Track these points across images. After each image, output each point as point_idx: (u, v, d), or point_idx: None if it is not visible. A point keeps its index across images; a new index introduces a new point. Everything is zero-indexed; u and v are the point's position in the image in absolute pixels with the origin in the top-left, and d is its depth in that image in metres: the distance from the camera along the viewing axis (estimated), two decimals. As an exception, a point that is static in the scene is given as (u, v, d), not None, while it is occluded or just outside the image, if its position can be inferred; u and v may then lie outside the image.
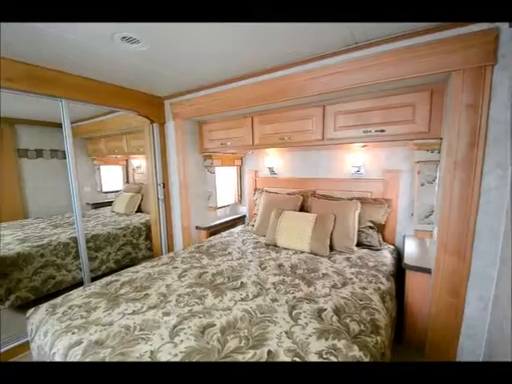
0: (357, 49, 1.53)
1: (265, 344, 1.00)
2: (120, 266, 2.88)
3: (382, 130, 1.65)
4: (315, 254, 1.89)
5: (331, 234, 1.94)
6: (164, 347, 0.99)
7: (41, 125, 3.66)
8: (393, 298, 1.51)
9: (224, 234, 2.52)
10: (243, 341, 1.02)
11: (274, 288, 1.43)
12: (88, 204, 4.15)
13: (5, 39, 1.36)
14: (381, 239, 2.07)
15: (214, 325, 1.12)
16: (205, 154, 2.66)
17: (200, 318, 1.17)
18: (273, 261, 1.79)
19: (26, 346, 1.75)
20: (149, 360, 0.93)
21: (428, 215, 1.75)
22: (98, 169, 4.56)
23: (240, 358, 0.93)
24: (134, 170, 4.53)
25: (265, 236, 2.28)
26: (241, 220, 3.08)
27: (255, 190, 2.86)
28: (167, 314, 1.21)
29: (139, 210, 3.76)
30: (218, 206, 2.86)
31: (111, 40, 1.37)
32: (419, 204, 1.77)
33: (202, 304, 1.28)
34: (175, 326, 1.11)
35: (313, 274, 1.59)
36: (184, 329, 1.09)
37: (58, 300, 1.36)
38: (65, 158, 4.19)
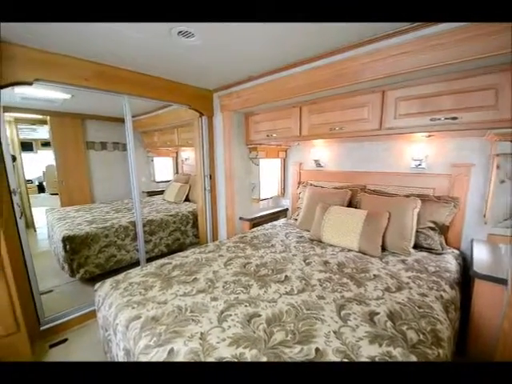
0: (427, 25, 1.34)
1: (312, 341, 0.97)
2: (170, 250, 3.11)
3: (454, 118, 1.43)
4: (364, 254, 1.77)
5: (384, 233, 1.79)
6: (213, 331, 1.03)
7: (105, 120, 4.09)
8: (457, 308, 1.34)
9: (267, 226, 2.52)
10: (289, 335, 1.01)
11: (320, 285, 1.38)
12: (143, 192, 4.54)
13: (85, 40, 1.52)
14: (443, 242, 1.84)
15: (260, 315, 1.12)
16: (250, 145, 2.67)
17: (246, 306, 1.18)
18: (318, 257, 1.73)
19: (93, 313, 2.01)
20: (199, 341, 0.97)
21: (507, 218, 1.49)
22: (152, 160, 4.95)
23: (287, 351, 0.92)
24: (182, 161, 4.80)
25: (308, 231, 2.22)
26: (283, 213, 3.05)
27: (299, 183, 2.79)
28: (215, 299, 1.25)
29: (187, 199, 3.99)
30: (261, 198, 2.87)
31: (169, 35, 1.43)
32: (496, 204, 1.52)
33: (248, 293, 1.30)
34: (222, 312, 1.15)
35: (362, 275, 1.50)
36: (231, 315, 1.12)
37: (120, 277, 1.52)
38: (125, 150, 4.62)
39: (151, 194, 4.59)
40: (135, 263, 2.70)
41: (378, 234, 1.77)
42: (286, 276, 1.47)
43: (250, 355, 0.91)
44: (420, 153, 2.01)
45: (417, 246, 1.83)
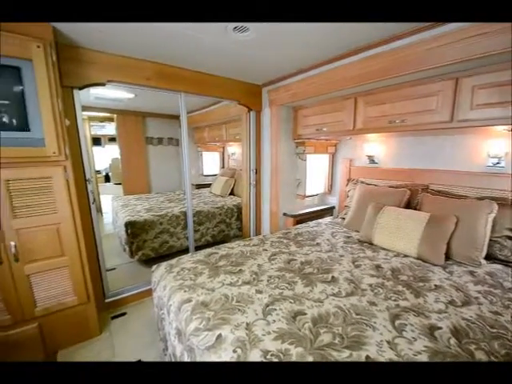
0: None
1: (362, 348, 0.91)
2: (215, 241, 3.26)
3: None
4: (424, 261, 1.59)
5: (449, 240, 1.59)
6: (258, 322, 1.04)
7: (162, 117, 4.44)
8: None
9: (311, 223, 2.45)
10: (337, 338, 0.96)
11: (372, 290, 1.28)
12: (193, 185, 4.83)
13: (148, 43, 1.65)
14: (526, 255, 1.55)
15: (305, 314, 1.10)
16: (297, 140, 2.61)
17: (291, 303, 1.17)
18: (368, 260, 1.62)
19: (148, 292, 2.22)
20: (245, 331, 0.99)
21: None
22: (201, 155, 5.22)
23: (335, 354, 0.88)
24: (229, 156, 4.96)
25: (358, 231, 2.09)
26: (329, 211, 2.93)
27: (349, 180, 2.63)
28: (260, 291, 1.26)
29: (232, 193, 4.11)
30: (307, 194, 2.79)
31: (225, 31, 1.47)
32: None
33: (292, 290, 1.28)
34: (267, 305, 1.15)
35: (421, 284, 1.35)
36: (276, 310, 1.12)
37: (173, 261, 1.64)
38: (178, 145, 4.97)
39: (199, 186, 4.85)
40: (184, 250, 2.90)
41: (441, 240, 1.57)
42: (333, 277, 1.41)
43: (295, 352, 0.89)
44: (499, 149, 1.71)
45: (489, 257, 1.58)
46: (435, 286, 1.33)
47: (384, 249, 1.78)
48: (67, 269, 1.61)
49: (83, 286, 1.68)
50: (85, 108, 1.85)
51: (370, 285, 1.33)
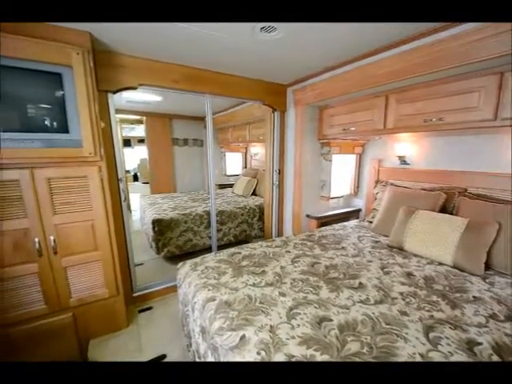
0: None
1: (393, 360, 0.86)
2: (237, 240, 3.28)
3: None
4: (461, 270, 1.48)
5: (490, 248, 1.46)
6: (282, 325, 1.02)
7: (187, 119, 4.57)
8: None
9: (336, 226, 2.38)
10: (365, 347, 0.92)
11: (403, 299, 1.21)
12: (216, 185, 4.91)
13: (177, 47, 1.70)
14: None
15: (331, 320, 1.06)
16: (323, 140, 2.55)
17: (316, 308, 1.14)
18: (399, 267, 1.53)
19: (173, 288, 2.28)
20: (269, 334, 0.98)
21: None
22: (224, 155, 5.30)
23: (364, 365, 0.84)
24: (251, 156, 4.98)
25: (386, 236, 1.99)
26: (355, 214, 2.82)
27: (377, 181, 2.52)
28: (283, 294, 1.24)
29: (254, 193, 4.12)
30: (331, 196, 2.72)
31: (252, 32, 1.47)
32: None
33: (317, 295, 1.24)
34: (291, 309, 1.13)
35: (458, 295, 1.25)
36: (300, 314, 1.09)
37: (198, 260, 1.67)
38: (202, 145, 5.08)
39: (222, 186, 4.92)
40: (207, 249, 2.95)
41: (481, 248, 1.45)
42: (361, 283, 1.35)
43: (321, 359, 0.86)
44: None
45: (540, 270, 1.43)
46: (474, 297, 1.23)
47: (416, 255, 1.68)
48: (100, 263, 1.70)
49: (114, 279, 1.77)
50: (117, 111, 1.95)
51: (401, 293, 1.26)
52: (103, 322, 1.80)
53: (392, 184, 2.31)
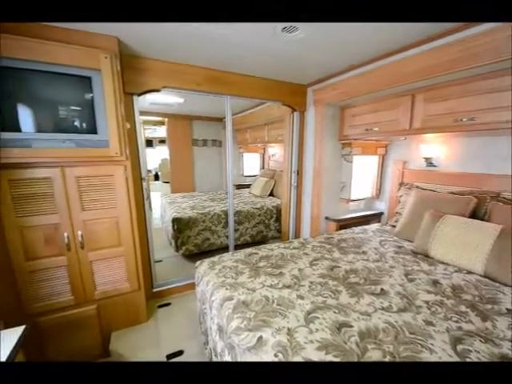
0: None
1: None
2: (253, 241, 3.28)
3: None
4: (493, 280, 1.38)
5: (528, 258, 1.35)
6: (300, 329, 1.01)
7: (206, 120, 4.65)
8: None
9: (356, 229, 2.31)
10: (388, 356, 0.88)
11: (428, 308, 1.15)
12: (233, 185, 4.95)
13: (200, 50, 1.73)
14: None
15: (351, 326, 1.03)
16: (344, 141, 2.49)
17: (335, 313, 1.11)
18: (424, 274, 1.46)
19: (191, 285, 2.33)
20: (287, 336, 0.97)
21: None
22: (242, 156, 5.33)
23: (386, 375, 0.80)
24: (269, 157, 4.97)
25: (411, 241, 1.90)
26: (376, 217, 2.73)
27: (401, 184, 2.42)
28: (301, 297, 1.23)
29: (271, 194, 4.11)
30: (352, 198, 2.64)
31: (273, 32, 1.46)
32: None
33: (336, 299, 1.21)
34: (309, 312, 1.11)
35: (489, 306, 1.17)
36: (318, 318, 1.07)
37: (215, 259, 1.68)
38: (220, 146, 5.14)
39: (239, 187, 4.95)
40: (224, 248, 2.98)
41: (518, 257, 1.34)
42: (383, 289, 1.30)
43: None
44: None
45: None
46: (507, 309, 1.15)
47: (443, 263, 1.59)
48: (123, 258, 1.77)
49: (135, 274, 1.83)
50: (141, 113, 2.02)
51: (427, 302, 1.20)
52: (125, 315, 1.87)
53: (417, 187, 2.21)
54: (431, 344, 0.94)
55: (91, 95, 1.49)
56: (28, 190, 1.45)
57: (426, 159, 2.20)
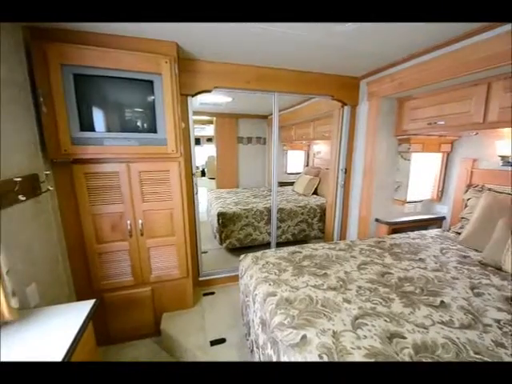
0: None
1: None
2: (295, 239, 3.25)
3: None
4: None
5: None
6: (346, 333, 0.97)
7: (251, 118, 4.73)
8: None
9: (412, 234, 2.11)
10: (449, 377, 0.79)
11: (499, 328, 1.00)
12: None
13: (251, 48, 1.76)
14: None
15: (405, 337, 0.95)
16: (401, 137, 2.27)
17: (386, 321, 1.03)
18: (495, 289, 1.27)
19: (233, 278, 2.41)
20: (332, 339, 0.94)
21: None
22: (286, 153, 5.29)
23: (446, 397, 0.72)
24: (314, 154, 4.83)
25: (479, 251, 1.66)
26: (436, 222, 2.45)
27: (469, 185, 2.12)
28: (348, 301, 1.17)
29: (315, 193, 4.00)
30: (408, 200, 2.41)
31: (325, 26, 1.41)
32: None
33: (388, 307, 1.13)
34: (357, 318, 1.06)
35: None
36: (367, 325, 1.01)
37: (259, 254, 1.71)
38: (264, 143, 5.19)
39: (282, 184, 4.93)
40: (266, 244, 3.01)
41: None
42: (443, 302, 1.17)
43: (391, 379, 0.78)
44: None
45: None
46: None
47: (521, 279, 1.35)
48: (175, 246, 1.92)
49: (185, 262, 1.97)
50: (193, 113, 2.14)
51: (498, 321, 1.04)
52: (174, 299, 2.04)
53: (490, 189, 1.91)
54: (505, 371, 0.82)
55: (153, 97, 1.64)
56: (99, 182, 1.66)
57: (503, 158, 1.87)
